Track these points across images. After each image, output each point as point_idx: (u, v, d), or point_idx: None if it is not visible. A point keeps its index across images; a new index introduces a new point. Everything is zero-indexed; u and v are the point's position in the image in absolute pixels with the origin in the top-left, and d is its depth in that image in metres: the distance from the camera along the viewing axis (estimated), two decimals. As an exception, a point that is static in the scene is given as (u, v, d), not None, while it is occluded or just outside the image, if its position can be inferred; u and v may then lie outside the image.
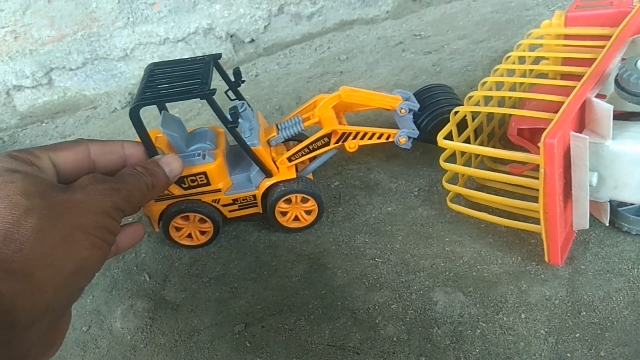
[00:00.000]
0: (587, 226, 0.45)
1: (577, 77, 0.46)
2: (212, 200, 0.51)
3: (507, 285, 0.46)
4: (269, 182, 0.50)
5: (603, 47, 0.48)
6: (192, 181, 0.49)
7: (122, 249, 0.40)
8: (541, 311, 0.44)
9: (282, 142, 0.53)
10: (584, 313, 0.43)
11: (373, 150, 0.63)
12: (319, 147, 0.51)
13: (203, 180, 0.49)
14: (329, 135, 0.51)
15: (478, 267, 0.48)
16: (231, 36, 0.88)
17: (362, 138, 0.51)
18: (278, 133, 0.52)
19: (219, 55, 0.50)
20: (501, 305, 0.45)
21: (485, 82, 0.54)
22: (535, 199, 0.44)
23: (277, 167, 0.51)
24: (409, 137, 0.52)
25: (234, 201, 0.51)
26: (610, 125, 0.41)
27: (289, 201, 0.51)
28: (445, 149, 0.50)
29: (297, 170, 0.53)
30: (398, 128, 0.54)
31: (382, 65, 0.80)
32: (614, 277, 0.45)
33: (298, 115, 0.54)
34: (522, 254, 0.48)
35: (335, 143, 0.51)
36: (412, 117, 0.54)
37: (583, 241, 0.48)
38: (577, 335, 0.42)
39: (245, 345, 0.44)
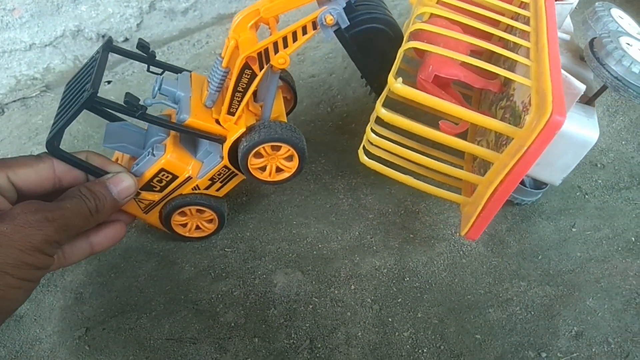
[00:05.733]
0: None
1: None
2: (192, 189, 0.46)
3: (342, 260, 0.49)
4: (226, 147, 0.44)
5: None
6: (159, 182, 0.45)
7: (98, 250, 0.38)
8: (370, 281, 0.47)
9: (217, 94, 0.44)
10: (408, 279, 0.46)
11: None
12: (248, 83, 0.42)
13: (168, 177, 0.45)
14: (248, 66, 0.41)
15: (319, 245, 0.50)
16: (102, 37, 0.86)
17: (285, 46, 0.40)
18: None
19: (109, 40, 0.45)
20: (334, 280, 0.47)
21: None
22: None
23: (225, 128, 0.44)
24: (336, 19, 0.39)
25: (212, 180, 0.46)
26: (570, 106, 0.39)
27: (259, 155, 0.44)
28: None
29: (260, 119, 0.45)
30: None
31: (254, 57, 0.81)
32: (437, 242, 0.49)
33: (217, 55, 0.44)
34: (360, 229, 0.51)
35: (260, 69, 0.41)
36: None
37: (413, 211, 0.52)
38: (400, 300, 0.45)
39: (85, 349, 0.44)
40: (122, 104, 0.40)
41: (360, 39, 0.41)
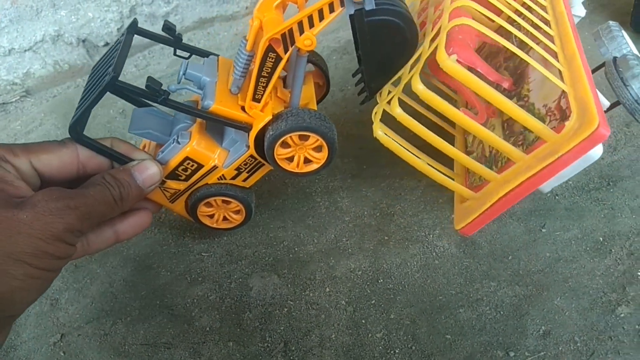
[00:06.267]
0: None
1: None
2: (218, 179, 0.45)
3: (317, 263, 0.49)
4: (252, 136, 0.42)
5: None
6: (185, 170, 0.43)
7: (123, 238, 0.38)
8: (344, 283, 0.47)
9: (242, 79, 0.41)
10: (382, 280, 0.47)
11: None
12: (273, 67, 0.39)
13: (193, 166, 0.43)
14: (272, 49, 0.38)
15: (296, 249, 0.51)
16: (83, 41, 0.85)
17: (311, 26, 0.37)
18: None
19: (134, 22, 0.43)
20: (309, 283, 0.48)
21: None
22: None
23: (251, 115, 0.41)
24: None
25: (238, 170, 0.44)
26: None
27: (286, 145, 0.41)
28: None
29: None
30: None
31: (234, 61, 0.81)
32: (411, 244, 0.49)
33: (242, 38, 0.41)
34: (336, 232, 0.52)
35: (285, 51, 0.38)
36: None
37: (389, 213, 0.52)
38: (373, 301, 0.46)
39: (60, 355, 0.44)
40: (144, 88, 0.38)
41: (377, 29, 0.38)
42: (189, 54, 0.46)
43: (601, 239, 0.47)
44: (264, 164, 0.45)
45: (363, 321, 0.44)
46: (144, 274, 0.50)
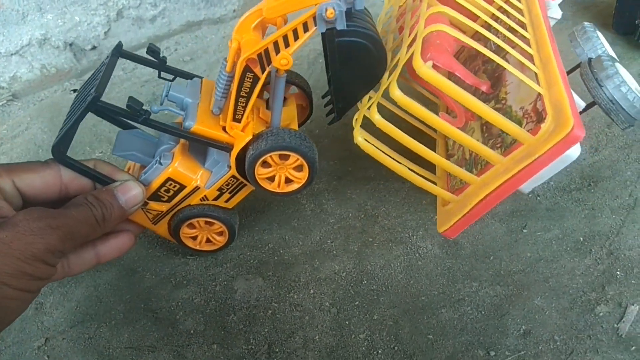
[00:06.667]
0: None
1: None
2: (200, 200, 0.45)
3: (302, 265, 0.49)
4: (233, 155, 0.42)
5: None
6: (167, 191, 0.43)
7: (105, 260, 0.37)
8: (329, 285, 0.47)
9: (223, 100, 0.42)
10: (365, 282, 0.47)
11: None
12: (251, 87, 0.39)
13: (175, 186, 0.43)
14: (249, 69, 0.38)
15: (281, 251, 0.51)
16: (70, 45, 0.85)
17: (287, 45, 0.37)
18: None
19: (119, 45, 0.44)
20: (294, 285, 0.48)
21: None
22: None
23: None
24: (336, 16, 0.36)
25: (220, 190, 0.45)
26: None
27: (266, 165, 0.42)
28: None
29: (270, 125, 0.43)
30: None
31: (222, 64, 0.81)
32: (395, 245, 0.50)
33: (223, 59, 0.41)
34: (321, 234, 0.52)
35: (262, 72, 0.38)
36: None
37: (373, 215, 0.53)
38: (357, 303, 0.46)
39: (44, 359, 0.44)
40: (122, 110, 0.38)
41: (347, 49, 0.38)
42: (173, 76, 0.46)
43: (581, 238, 0.48)
44: (246, 185, 0.45)
45: (347, 322, 0.45)
46: (128, 278, 0.50)
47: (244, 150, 0.42)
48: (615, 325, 0.41)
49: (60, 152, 0.37)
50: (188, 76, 0.47)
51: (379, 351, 0.43)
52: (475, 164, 0.42)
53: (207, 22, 0.94)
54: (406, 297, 0.46)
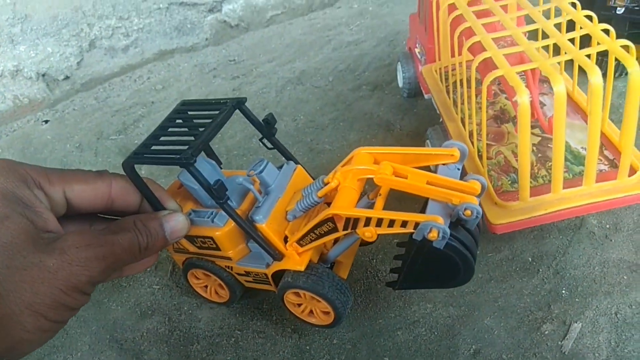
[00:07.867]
0: None
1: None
2: (225, 266, 0.46)
3: (265, 293, 0.51)
4: (277, 267, 0.42)
5: None
6: (203, 242, 0.44)
7: (127, 274, 0.36)
8: (290, 311, 0.49)
9: (301, 215, 0.42)
10: (326, 306, 0.49)
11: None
12: (325, 233, 0.39)
13: (212, 245, 0.43)
14: (332, 221, 0.38)
15: (245, 279, 0.52)
16: (42, 75, 0.87)
17: (379, 225, 0.37)
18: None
19: (243, 100, 0.42)
20: (257, 312, 0.49)
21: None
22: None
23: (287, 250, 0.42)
24: (441, 236, 0.34)
25: (247, 273, 0.45)
26: None
27: (298, 295, 0.43)
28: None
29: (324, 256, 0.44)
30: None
31: (193, 93, 0.83)
32: (355, 269, 0.52)
33: (320, 178, 0.41)
34: (284, 260, 0.54)
35: (343, 229, 0.38)
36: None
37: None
38: (317, 328, 0.47)
39: (8, 395, 0.45)
40: (210, 185, 0.38)
41: (435, 256, 0.36)
42: (272, 147, 0.45)
43: (530, 259, 0.50)
44: (269, 284, 0.45)
45: (307, 347, 0.46)
46: (95, 309, 0.51)
47: (287, 269, 0.42)
48: (560, 342, 0.44)
49: (130, 167, 0.37)
50: (287, 156, 0.46)
51: (338, 375, 0.44)
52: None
53: (179, 50, 0.97)
54: (364, 321, 0.48)
